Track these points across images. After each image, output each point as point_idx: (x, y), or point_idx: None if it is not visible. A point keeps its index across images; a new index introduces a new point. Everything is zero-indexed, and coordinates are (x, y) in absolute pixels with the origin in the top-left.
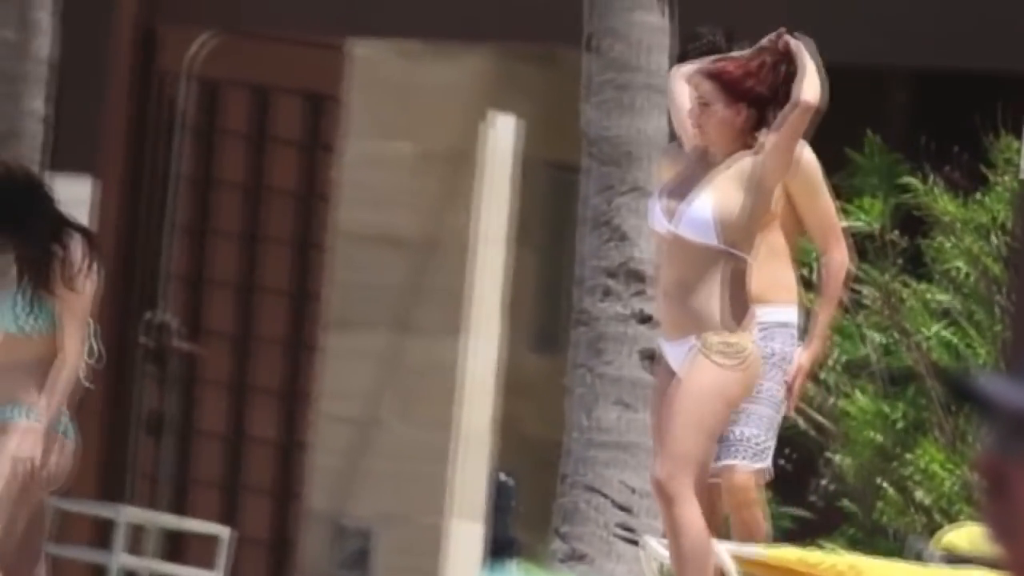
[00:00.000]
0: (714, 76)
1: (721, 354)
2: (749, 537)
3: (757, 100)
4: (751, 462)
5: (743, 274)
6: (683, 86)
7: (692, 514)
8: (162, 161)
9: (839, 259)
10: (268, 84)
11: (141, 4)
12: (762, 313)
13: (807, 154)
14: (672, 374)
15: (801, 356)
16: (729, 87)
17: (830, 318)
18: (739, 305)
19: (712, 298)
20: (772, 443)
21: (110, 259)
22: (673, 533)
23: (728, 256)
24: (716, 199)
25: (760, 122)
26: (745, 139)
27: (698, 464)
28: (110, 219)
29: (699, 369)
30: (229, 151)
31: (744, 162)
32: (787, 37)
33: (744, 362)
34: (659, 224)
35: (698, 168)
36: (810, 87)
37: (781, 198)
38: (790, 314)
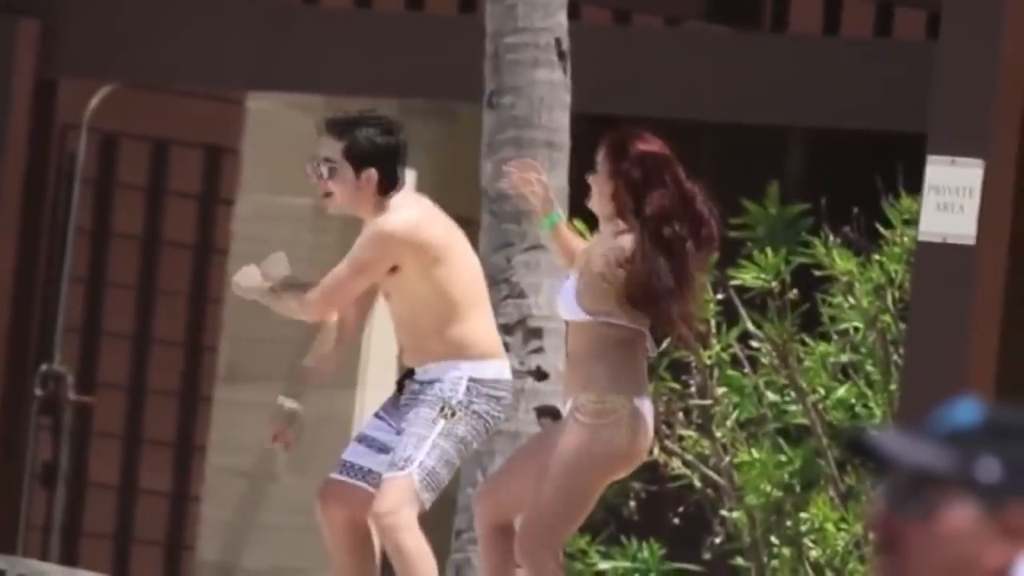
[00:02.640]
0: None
1: (588, 414)
2: (403, 568)
3: (630, 181)
4: (396, 471)
5: (625, 341)
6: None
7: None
8: (59, 213)
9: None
10: (167, 137)
11: (40, 55)
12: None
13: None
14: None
15: None
16: (613, 157)
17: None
18: (618, 369)
19: (592, 365)
20: (428, 462)
21: (5, 310)
22: None
23: (607, 326)
24: (579, 274)
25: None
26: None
27: (563, 526)
28: (6, 270)
29: (568, 432)
30: (126, 203)
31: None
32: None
33: (611, 420)
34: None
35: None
36: None
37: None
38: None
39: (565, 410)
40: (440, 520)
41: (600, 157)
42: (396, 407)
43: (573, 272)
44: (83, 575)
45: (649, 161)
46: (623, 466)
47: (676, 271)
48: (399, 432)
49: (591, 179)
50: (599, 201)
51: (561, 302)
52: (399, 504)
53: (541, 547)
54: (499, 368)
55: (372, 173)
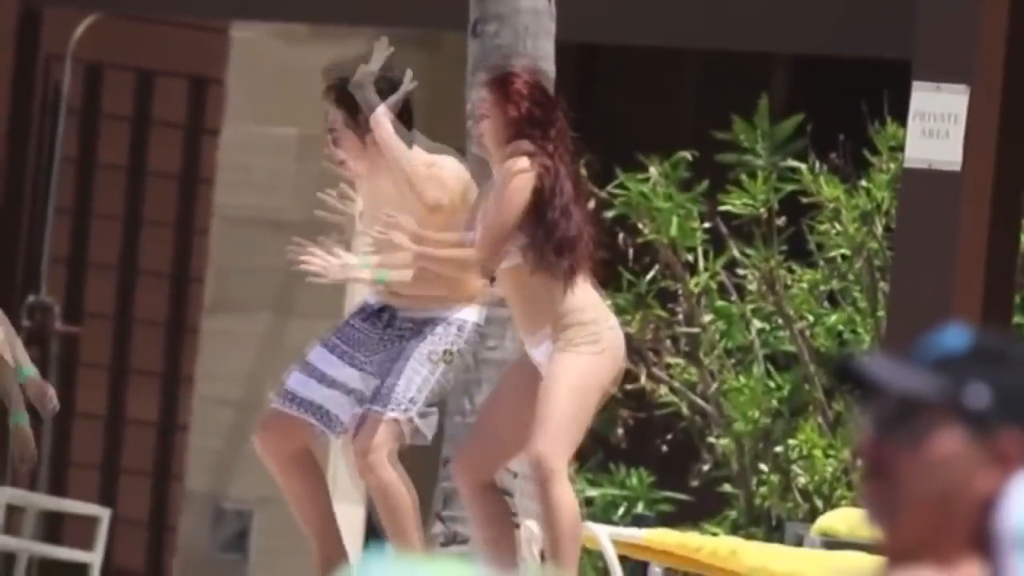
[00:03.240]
0: (494, 85)
1: (576, 344)
2: (387, 501)
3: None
4: (384, 410)
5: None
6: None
7: (568, 494)
8: (45, 144)
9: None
10: (152, 67)
11: None
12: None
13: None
14: (528, 367)
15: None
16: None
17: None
18: (588, 291)
19: (550, 303)
20: (422, 405)
21: None
22: (548, 511)
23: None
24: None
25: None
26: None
27: (572, 446)
28: None
29: (563, 362)
30: (112, 134)
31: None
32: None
33: (601, 344)
34: None
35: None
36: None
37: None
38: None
39: (538, 350)
40: (425, 450)
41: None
42: (364, 341)
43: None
44: (70, 504)
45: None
46: (614, 386)
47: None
48: (367, 365)
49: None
50: (493, 139)
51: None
52: (386, 442)
53: (560, 465)
54: (484, 308)
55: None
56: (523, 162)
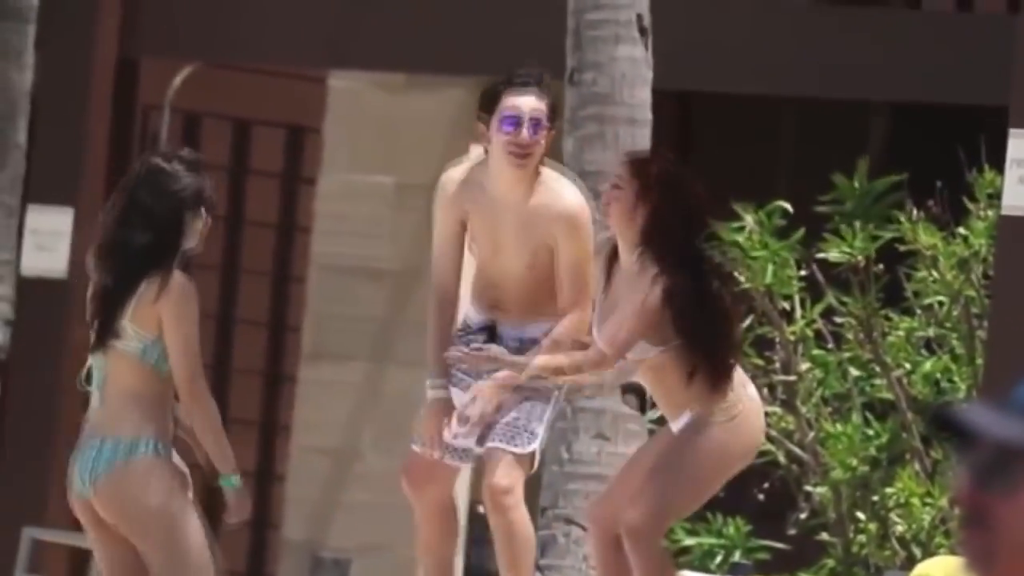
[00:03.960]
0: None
1: (716, 413)
2: (512, 543)
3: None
4: (509, 444)
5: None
6: None
7: (662, 562)
8: None
9: (579, 319)
10: (249, 116)
11: (122, 35)
12: (530, 325)
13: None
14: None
15: (482, 383)
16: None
17: (543, 363)
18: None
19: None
20: (538, 430)
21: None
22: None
23: (673, 350)
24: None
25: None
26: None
27: (672, 518)
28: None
29: (699, 432)
30: (209, 183)
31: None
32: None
33: (735, 419)
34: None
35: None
36: None
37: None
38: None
39: (675, 424)
40: (524, 498)
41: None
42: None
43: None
44: None
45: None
46: (749, 458)
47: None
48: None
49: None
50: (619, 219)
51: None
52: (518, 480)
53: (657, 536)
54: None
55: (553, 130)
56: (652, 273)
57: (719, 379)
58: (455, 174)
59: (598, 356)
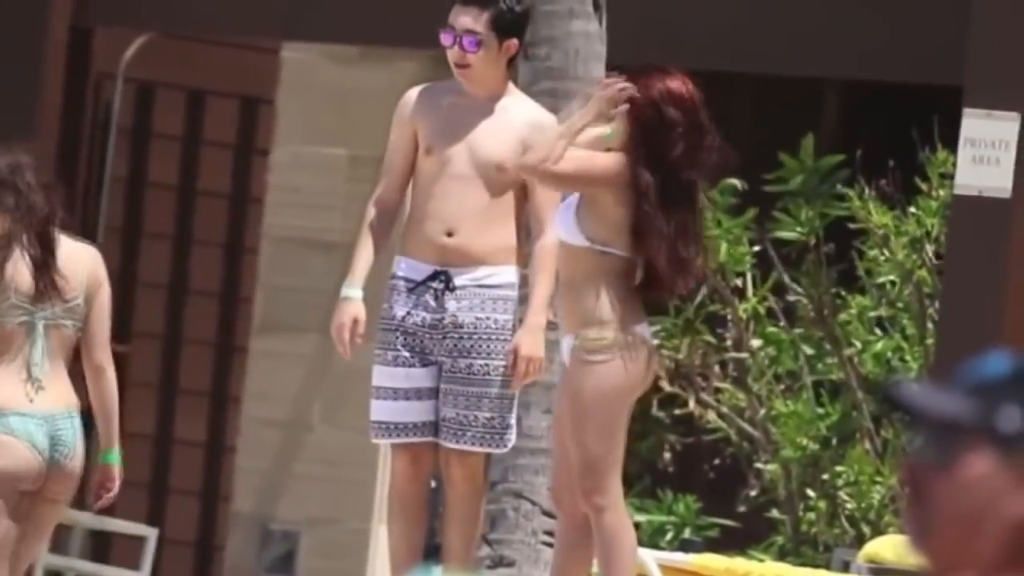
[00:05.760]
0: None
1: (594, 351)
2: (471, 517)
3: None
4: (484, 446)
5: (622, 272)
6: None
7: (621, 521)
8: (95, 162)
9: (552, 238)
10: (202, 87)
11: (76, 4)
12: (484, 274)
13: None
14: (566, 372)
15: (519, 338)
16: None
17: (546, 294)
18: (615, 300)
19: (588, 294)
20: (512, 419)
21: None
22: (602, 540)
23: (600, 254)
24: (578, 201)
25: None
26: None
27: (612, 464)
28: None
29: (580, 374)
30: (162, 153)
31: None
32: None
33: (616, 353)
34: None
35: None
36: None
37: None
38: (510, 275)
39: (565, 346)
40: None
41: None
42: None
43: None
44: (118, 524)
45: (671, 103)
46: (640, 391)
47: (686, 224)
48: None
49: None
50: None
51: (560, 224)
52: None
53: (602, 493)
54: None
55: (513, 43)
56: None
57: (635, 303)
58: (412, 92)
59: (536, 161)
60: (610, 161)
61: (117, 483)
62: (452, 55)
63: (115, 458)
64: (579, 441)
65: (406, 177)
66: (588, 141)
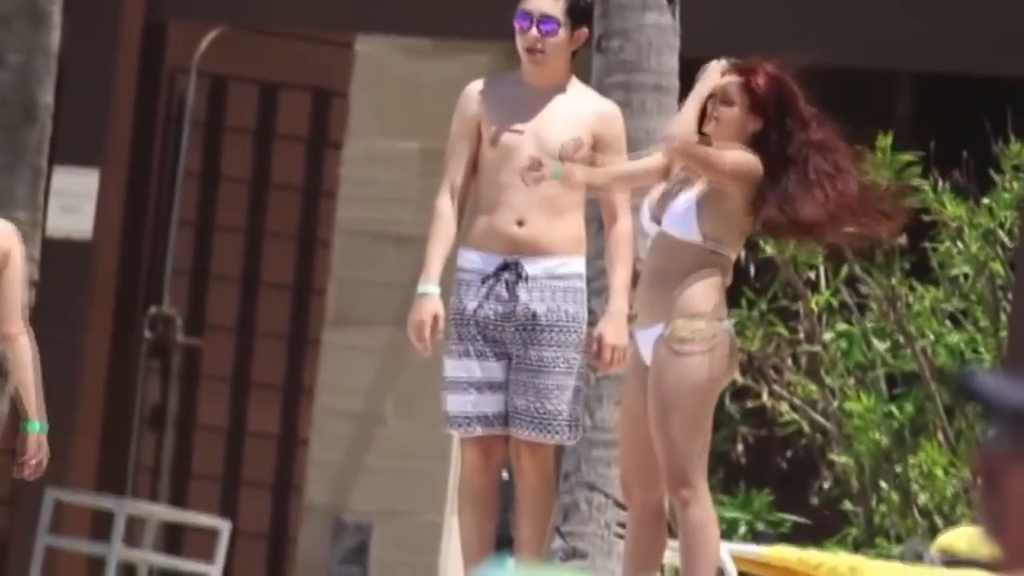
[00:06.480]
0: (746, 78)
1: (683, 342)
2: (543, 508)
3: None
4: (555, 437)
5: (723, 269)
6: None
7: (707, 513)
8: (168, 156)
9: (626, 227)
10: (275, 80)
11: None
12: (554, 264)
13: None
14: (641, 364)
15: (603, 326)
16: (754, 94)
17: (627, 282)
18: (712, 295)
19: (685, 287)
20: (578, 413)
21: (114, 253)
22: (687, 533)
23: (709, 252)
24: (699, 198)
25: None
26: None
27: (698, 457)
28: (115, 213)
29: (667, 365)
30: (235, 146)
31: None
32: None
33: (708, 345)
34: (644, 221)
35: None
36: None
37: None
38: (579, 265)
39: (646, 333)
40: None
41: (733, 94)
42: None
43: (684, 185)
44: (190, 516)
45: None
46: (725, 383)
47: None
48: None
49: (718, 112)
50: (729, 134)
51: (671, 218)
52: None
53: (689, 486)
54: None
55: (584, 32)
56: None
57: (724, 298)
58: (474, 84)
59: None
60: (754, 160)
61: (43, 453)
62: (526, 39)
63: (36, 428)
64: (665, 434)
65: (471, 169)
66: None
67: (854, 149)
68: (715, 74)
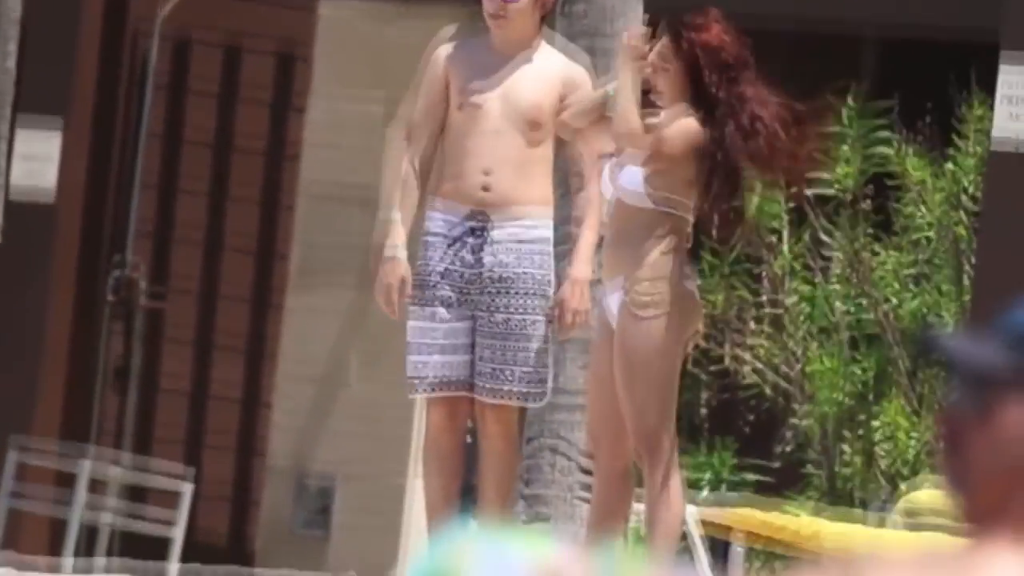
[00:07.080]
0: (687, 36)
1: (643, 307)
2: (507, 471)
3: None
4: (520, 401)
5: (679, 231)
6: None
7: (673, 476)
8: (131, 118)
9: (594, 191)
10: (239, 43)
11: None
12: (521, 228)
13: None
14: (608, 329)
15: (565, 290)
16: (686, 52)
17: (591, 246)
18: (670, 256)
19: (645, 251)
20: (543, 375)
21: (78, 215)
22: (652, 494)
23: (663, 214)
24: (649, 164)
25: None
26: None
27: (665, 419)
28: (78, 175)
29: (630, 329)
30: (199, 109)
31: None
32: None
33: (669, 308)
34: (604, 186)
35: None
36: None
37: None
38: (546, 228)
39: (611, 297)
40: None
41: (666, 44)
42: None
43: (631, 153)
44: (154, 478)
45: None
46: (689, 346)
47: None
48: None
49: (656, 67)
50: (672, 96)
51: (623, 186)
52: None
53: (655, 448)
54: None
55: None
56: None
57: (686, 260)
58: (442, 47)
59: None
60: (694, 128)
61: None
62: (490, 5)
63: None
64: (632, 397)
65: (438, 132)
66: (592, 102)
67: (791, 105)
68: (629, 53)
